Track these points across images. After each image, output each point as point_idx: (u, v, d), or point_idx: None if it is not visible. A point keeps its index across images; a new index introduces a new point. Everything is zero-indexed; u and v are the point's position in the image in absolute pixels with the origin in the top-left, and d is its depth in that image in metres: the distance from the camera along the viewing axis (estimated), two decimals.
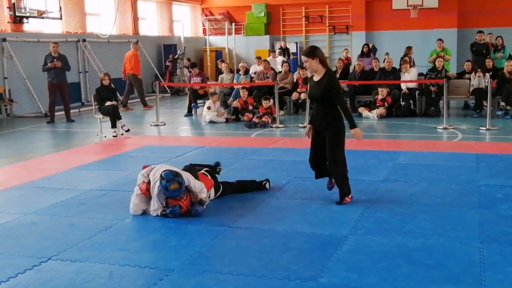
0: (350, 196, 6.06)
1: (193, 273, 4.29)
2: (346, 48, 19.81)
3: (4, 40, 14.87)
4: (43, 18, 15.69)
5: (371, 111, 12.98)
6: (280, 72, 15.30)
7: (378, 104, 12.97)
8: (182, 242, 5.00)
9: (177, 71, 21.21)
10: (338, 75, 14.70)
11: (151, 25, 22.68)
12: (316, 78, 5.99)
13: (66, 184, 7.20)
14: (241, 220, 5.53)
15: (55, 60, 13.20)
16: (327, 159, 6.04)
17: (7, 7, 15.07)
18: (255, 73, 15.72)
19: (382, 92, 12.94)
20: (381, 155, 8.54)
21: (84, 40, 17.77)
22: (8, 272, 4.41)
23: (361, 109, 13.27)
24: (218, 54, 24.36)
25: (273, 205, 6.03)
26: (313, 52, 5.87)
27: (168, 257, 4.64)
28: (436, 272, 4.18)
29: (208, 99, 13.50)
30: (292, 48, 23.27)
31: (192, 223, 5.49)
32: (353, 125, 6.09)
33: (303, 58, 5.93)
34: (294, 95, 14.07)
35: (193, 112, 14.53)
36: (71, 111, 14.20)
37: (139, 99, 16.78)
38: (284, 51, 21.52)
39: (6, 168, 8.47)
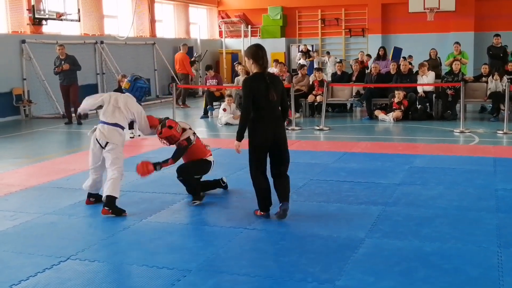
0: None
1: (210, 275, 4.31)
2: (361, 51, 19.76)
3: (23, 41, 15.06)
4: (61, 20, 15.85)
5: (387, 114, 12.94)
6: (297, 74, 15.32)
7: (394, 107, 12.93)
8: (199, 244, 5.05)
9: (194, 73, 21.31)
10: (354, 78, 14.71)
11: (168, 27, 22.80)
12: None
13: (77, 186, 7.26)
14: (257, 222, 5.54)
15: (63, 62, 13.25)
16: None
17: (27, 9, 15.25)
18: None
19: (398, 95, 12.90)
20: (397, 158, 8.52)
21: (101, 42, 17.92)
22: (28, 271, 4.46)
23: (377, 112, 13.24)
24: (234, 56, 24.42)
25: (289, 208, 6.02)
26: (248, 52, 5.63)
27: (186, 258, 4.66)
28: (454, 277, 4.17)
29: (224, 101, 13.55)
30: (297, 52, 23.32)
31: (209, 225, 5.55)
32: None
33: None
34: (310, 98, 14.08)
35: (209, 114, 14.59)
36: (88, 112, 14.25)
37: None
38: (306, 54, 21.58)
39: (25, 169, 8.57)
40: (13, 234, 5.42)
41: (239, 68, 15.84)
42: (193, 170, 6.48)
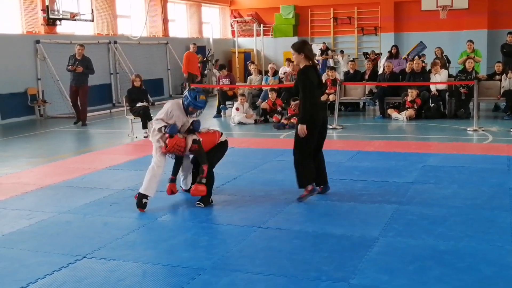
0: (308, 188, 6.30)
1: (224, 273, 4.33)
2: (373, 50, 19.74)
3: (37, 42, 15.20)
4: (75, 20, 15.97)
5: (400, 113, 12.91)
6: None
7: (407, 106, 12.89)
8: (213, 242, 5.07)
9: (206, 73, 21.39)
10: (367, 76, 14.68)
11: (181, 27, 22.89)
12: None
13: (99, 184, 7.34)
14: (271, 221, 5.56)
15: (77, 62, 13.20)
16: None
17: (41, 10, 15.39)
18: (284, 73, 15.76)
19: (411, 94, 12.86)
20: (410, 157, 8.51)
21: (115, 42, 18.04)
22: (44, 270, 4.51)
23: (390, 111, 13.20)
24: (247, 55, 24.47)
25: (303, 206, 6.07)
26: (301, 47, 6.24)
27: (200, 257, 4.69)
28: (468, 275, 4.16)
29: (237, 101, 13.58)
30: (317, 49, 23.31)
31: (223, 224, 5.58)
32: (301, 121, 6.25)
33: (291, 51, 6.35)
34: (323, 97, 14.05)
35: (222, 114, 14.63)
36: (102, 112, 14.40)
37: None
38: (324, 52, 21.61)
39: (40, 168, 8.66)
40: (30, 232, 5.48)
41: (252, 67, 15.87)
42: (215, 158, 6.40)
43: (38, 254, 4.91)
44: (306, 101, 6.17)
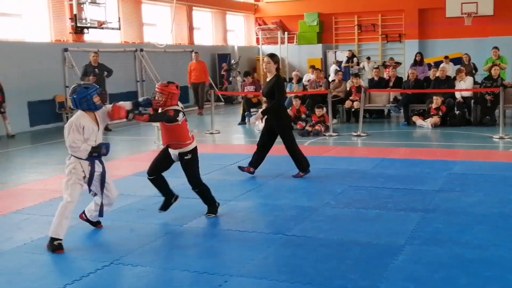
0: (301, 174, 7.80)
1: (250, 280, 4.36)
2: (391, 57, 19.63)
3: (66, 50, 15.47)
4: (102, 28, 16.21)
5: (425, 120, 12.82)
6: (334, 80, 15.34)
7: (432, 113, 12.80)
8: (239, 249, 5.08)
9: (231, 80, 21.51)
10: (391, 84, 14.61)
11: (206, 35, 23.07)
12: (268, 78, 7.81)
13: (126, 190, 7.41)
14: (296, 228, 5.58)
15: (96, 70, 13.50)
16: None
17: (69, 18, 15.67)
18: (308, 81, 15.79)
19: (436, 101, 12.77)
20: (435, 164, 8.46)
21: (141, 50, 18.25)
22: (73, 275, 4.58)
23: (415, 118, 13.13)
24: None
25: (327, 214, 6.07)
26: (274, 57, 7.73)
27: (226, 264, 4.73)
28: (495, 284, 4.13)
29: (262, 108, 13.62)
30: (344, 57, 23.25)
31: (248, 231, 5.59)
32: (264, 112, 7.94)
33: (266, 59, 7.70)
34: (347, 104, 14.06)
35: (246, 121, 14.70)
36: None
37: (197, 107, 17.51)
38: (350, 60, 21.59)
39: None
40: None
41: None
42: (197, 171, 6.13)
43: (66, 260, 4.99)
44: (279, 100, 7.73)
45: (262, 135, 8.17)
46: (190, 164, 6.01)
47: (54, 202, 7.01)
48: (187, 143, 5.94)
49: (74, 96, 5.34)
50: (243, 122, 14.71)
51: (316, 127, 12.28)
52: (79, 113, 5.37)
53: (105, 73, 13.83)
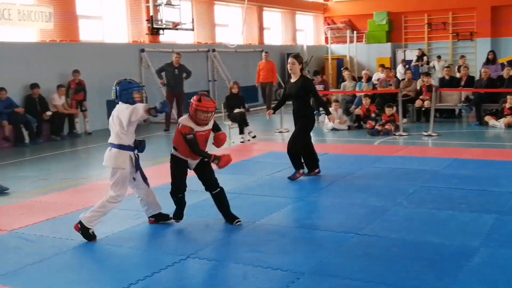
0: (300, 172, 7.81)
1: (323, 278, 4.39)
2: (463, 55, 19.11)
3: (142, 50, 16.03)
4: (177, 29, 16.70)
5: (498, 120, 12.47)
6: (403, 79, 15.14)
7: (505, 113, 12.42)
8: (311, 247, 5.13)
9: None
10: (463, 83, 14.26)
11: (275, 35, 23.24)
12: (293, 79, 7.77)
13: (200, 187, 7.59)
14: (368, 228, 5.57)
15: (176, 70, 13.91)
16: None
17: (146, 20, 16.24)
18: (377, 80, 15.65)
19: (510, 100, 12.39)
20: (510, 165, 8.24)
21: (213, 50, 18.60)
22: (151, 268, 4.75)
23: (487, 118, 12.78)
24: (340, 62, 24.44)
25: (399, 214, 6.04)
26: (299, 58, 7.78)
27: (299, 261, 4.76)
28: None
29: (330, 107, 13.61)
30: (414, 55, 22.85)
31: (320, 229, 5.64)
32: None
33: (291, 59, 7.72)
34: (417, 103, 13.86)
35: (315, 119, 14.70)
36: None
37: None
38: (419, 58, 21.24)
39: (146, 170, 8.95)
40: (137, 232, 5.82)
41: (345, 74, 15.86)
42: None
43: (145, 252, 5.20)
44: (322, 102, 8.38)
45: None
46: (209, 165, 5.93)
47: (132, 197, 7.28)
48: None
49: (117, 87, 5.62)
50: None
51: (386, 126, 12.17)
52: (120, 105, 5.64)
53: (184, 74, 14.22)
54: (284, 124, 13.45)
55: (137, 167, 5.81)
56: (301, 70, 7.80)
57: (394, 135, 11.94)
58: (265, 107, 17.92)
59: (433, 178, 7.60)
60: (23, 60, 13.07)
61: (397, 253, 4.87)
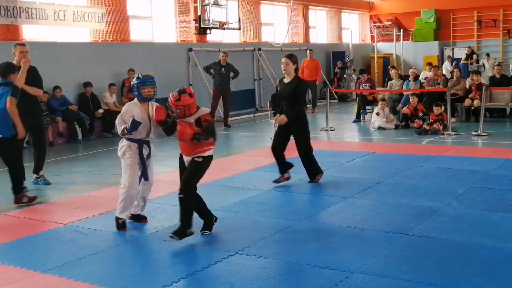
0: (320, 175, 7.58)
1: (371, 277, 4.37)
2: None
3: (190, 50, 16.27)
4: (224, 29, 16.86)
5: None
6: (452, 78, 14.88)
7: None
8: (359, 247, 5.10)
9: (345, 77, 21.43)
10: None
11: (321, 33, 23.16)
12: (287, 80, 7.41)
13: (247, 184, 7.71)
14: (417, 228, 5.51)
15: (223, 69, 14.08)
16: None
17: (193, 20, 16.46)
18: (425, 79, 15.42)
19: None
20: None
21: (259, 49, 18.69)
22: (201, 263, 4.85)
23: None
24: (386, 60, 24.17)
25: (450, 215, 5.95)
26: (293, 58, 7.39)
27: (346, 260, 4.75)
28: None
29: (377, 105, 13.51)
30: (462, 53, 22.42)
31: (368, 229, 5.59)
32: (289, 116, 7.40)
33: (284, 60, 7.35)
34: (467, 102, 13.59)
35: (361, 118, 14.63)
36: (245, 116, 15.05)
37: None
38: (469, 57, 20.85)
39: None
40: None
41: (392, 72, 15.68)
42: (196, 178, 5.49)
43: (194, 248, 5.26)
44: (303, 105, 7.61)
45: (277, 137, 7.73)
46: (197, 167, 5.41)
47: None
48: (205, 149, 5.42)
49: (132, 82, 5.86)
50: (358, 119, 14.66)
51: (434, 126, 11.99)
52: (133, 101, 5.84)
53: (232, 73, 14.36)
54: (330, 122, 13.40)
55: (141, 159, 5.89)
56: (296, 70, 7.50)
57: (443, 134, 11.75)
58: (310, 105, 17.87)
59: (484, 179, 7.46)
60: (77, 59, 13.45)
61: (447, 254, 4.80)
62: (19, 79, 7.24)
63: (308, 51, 17.49)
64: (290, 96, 7.45)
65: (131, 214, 6.02)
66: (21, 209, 6.97)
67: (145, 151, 5.88)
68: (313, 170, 7.61)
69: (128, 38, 15.03)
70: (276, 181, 7.59)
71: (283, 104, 7.62)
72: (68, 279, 4.59)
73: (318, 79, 17.43)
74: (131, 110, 5.75)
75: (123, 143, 5.88)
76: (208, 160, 5.46)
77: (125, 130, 5.62)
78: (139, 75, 5.82)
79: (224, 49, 15.44)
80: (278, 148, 7.61)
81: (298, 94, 7.40)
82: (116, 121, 5.79)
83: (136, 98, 5.81)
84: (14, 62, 7.66)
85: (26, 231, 6.00)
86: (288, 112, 7.42)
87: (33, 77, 7.85)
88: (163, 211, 6.56)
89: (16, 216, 6.64)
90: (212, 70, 14.29)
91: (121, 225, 5.88)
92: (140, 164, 5.86)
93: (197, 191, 5.57)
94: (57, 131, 12.59)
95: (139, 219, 6.13)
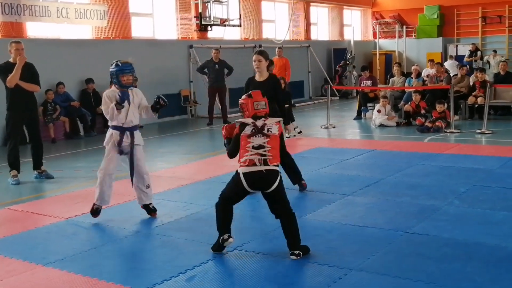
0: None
1: (371, 275, 4.33)
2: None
3: (191, 46, 16.25)
4: (225, 25, 16.85)
5: None
6: (456, 75, 14.80)
7: None
8: (359, 245, 5.05)
9: (346, 75, 21.38)
10: None
11: (322, 30, 23.09)
12: (260, 79, 6.84)
13: None
14: (417, 226, 5.45)
15: (216, 66, 14.08)
16: None
17: (194, 16, 16.45)
18: (427, 76, 15.35)
19: None
20: None
21: (260, 46, 18.58)
22: (200, 258, 4.82)
23: None
24: (388, 57, 24.10)
25: (451, 213, 5.89)
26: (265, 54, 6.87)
27: (345, 257, 4.70)
28: None
29: (378, 103, 13.45)
30: (466, 50, 22.31)
31: (368, 226, 5.54)
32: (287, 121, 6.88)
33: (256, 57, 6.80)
34: (470, 99, 13.51)
35: (362, 115, 14.57)
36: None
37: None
38: (473, 53, 20.76)
39: (193, 164, 9.25)
40: (186, 223, 5.89)
41: (395, 69, 15.60)
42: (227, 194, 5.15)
43: (194, 243, 5.24)
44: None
45: None
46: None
47: (181, 188, 7.43)
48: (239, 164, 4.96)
49: (110, 69, 5.81)
50: (359, 116, 14.60)
51: (437, 123, 11.92)
52: (111, 88, 5.88)
53: (226, 70, 14.30)
54: (331, 119, 13.35)
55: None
56: (268, 67, 6.99)
57: (445, 132, 11.68)
58: (311, 102, 17.85)
59: (487, 177, 7.38)
60: (79, 56, 13.54)
61: (449, 253, 4.74)
62: (14, 75, 7.43)
63: (277, 49, 16.17)
64: (267, 96, 6.93)
65: (142, 204, 6.09)
66: (23, 203, 7.06)
67: (126, 139, 5.90)
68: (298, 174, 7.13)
69: (129, 35, 15.06)
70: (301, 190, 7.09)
71: None
72: (69, 272, 4.63)
73: (288, 78, 16.69)
74: (114, 95, 5.76)
75: (108, 133, 5.95)
76: (237, 177, 5.00)
77: (115, 105, 5.66)
78: (118, 62, 5.78)
79: (225, 46, 15.41)
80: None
81: (279, 92, 6.85)
82: (102, 107, 5.86)
83: (114, 85, 5.81)
84: (11, 59, 7.87)
85: (28, 225, 6.07)
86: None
87: (30, 73, 7.99)
88: (163, 206, 6.52)
89: (19, 210, 6.71)
90: (206, 70, 14.27)
91: (94, 210, 6.03)
92: (121, 153, 5.93)
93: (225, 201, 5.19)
94: (63, 129, 12.81)
95: (149, 211, 6.16)
